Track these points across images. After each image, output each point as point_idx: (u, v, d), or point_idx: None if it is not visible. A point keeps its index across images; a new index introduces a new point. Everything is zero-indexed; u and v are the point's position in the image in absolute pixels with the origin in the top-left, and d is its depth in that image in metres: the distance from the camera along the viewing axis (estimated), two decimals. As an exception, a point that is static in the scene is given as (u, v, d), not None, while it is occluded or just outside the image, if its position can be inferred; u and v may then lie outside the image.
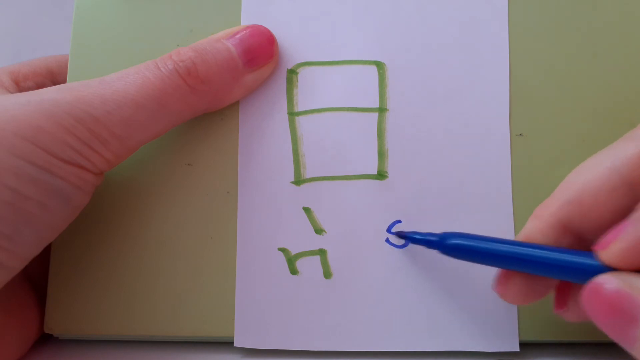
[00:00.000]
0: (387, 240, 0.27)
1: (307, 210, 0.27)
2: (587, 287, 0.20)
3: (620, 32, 0.28)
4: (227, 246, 0.27)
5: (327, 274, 0.27)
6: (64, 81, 0.30)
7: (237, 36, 0.27)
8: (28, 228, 0.23)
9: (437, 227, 0.27)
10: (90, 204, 0.26)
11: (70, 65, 0.29)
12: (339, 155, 0.28)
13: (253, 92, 0.28)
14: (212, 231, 0.28)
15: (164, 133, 0.26)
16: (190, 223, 0.28)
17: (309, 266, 0.27)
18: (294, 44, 0.28)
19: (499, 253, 0.23)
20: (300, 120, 0.28)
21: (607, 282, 0.20)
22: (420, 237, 0.25)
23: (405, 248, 0.27)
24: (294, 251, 0.27)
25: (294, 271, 0.27)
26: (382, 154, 0.27)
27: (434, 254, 0.27)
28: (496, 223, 0.27)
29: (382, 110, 0.28)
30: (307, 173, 0.28)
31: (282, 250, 0.27)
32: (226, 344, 0.27)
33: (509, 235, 0.27)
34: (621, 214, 0.21)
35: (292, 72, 0.28)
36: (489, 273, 0.25)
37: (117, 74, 0.25)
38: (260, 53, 0.27)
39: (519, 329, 0.26)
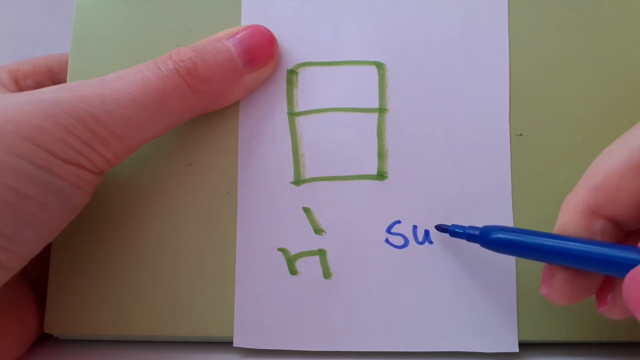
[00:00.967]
0: (387, 241, 0.27)
1: (306, 210, 0.27)
2: (628, 276, 0.20)
3: (620, 32, 0.28)
4: (227, 246, 0.28)
5: (327, 274, 0.27)
6: (64, 80, 0.30)
7: (237, 36, 0.27)
8: (28, 228, 0.23)
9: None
10: (90, 203, 0.26)
11: (70, 65, 0.29)
12: (338, 156, 0.28)
13: (253, 92, 0.28)
14: (212, 231, 0.28)
15: (164, 133, 0.26)
16: (190, 223, 0.28)
17: (309, 266, 0.27)
18: (294, 44, 0.28)
19: (540, 247, 0.22)
20: (300, 121, 0.28)
21: None
22: (462, 230, 0.25)
23: (405, 248, 0.27)
24: (293, 251, 0.27)
25: (293, 271, 0.27)
26: (382, 155, 0.27)
27: (434, 254, 0.27)
28: (496, 223, 0.27)
29: (382, 110, 0.28)
30: (307, 173, 0.28)
31: (282, 250, 0.27)
32: (226, 344, 0.27)
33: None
34: None
35: (292, 72, 0.28)
36: (489, 273, 0.25)
37: (117, 73, 0.25)
38: (261, 53, 0.27)
39: (518, 329, 0.26)
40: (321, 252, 0.27)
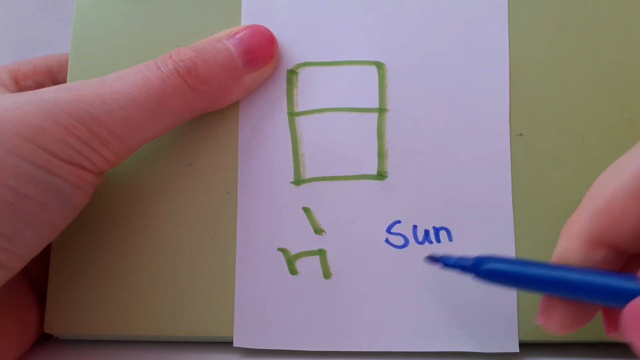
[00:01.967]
0: (387, 241, 0.27)
1: (306, 210, 0.27)
2: (627, 309, 0.19)
3: (620, 32, 0.28)
4: (227, 246, 0.28)
5: (327, 274, 0.27)
6: (64, 80, 0.30)
7: (237, 36, 0.27)
8: (28, 228, 0.23)
9: (437, 226, 0.27)
10: (90, 203, 0.26)
11: (70, 65, 0.29)
12: (338, 156, 0.28)
13: (253, 92, 0.28)
14: (212, 231, 0.28)
15: (164, 133, 0.26)
16: (190, 223, 0.28)
17: (309, 266, 0.27)
18: (294, 44, 0.28)
19: (537, 278, 0.22)
20: (300, 121, 0.28)
21: None
22: (454, 262, 0.24)
23: (405, 248, 0.27)
24: (293, 251, 0.27)
25: (293, 271, 0.27)
26: (381, 154, 0.27)
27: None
28: (496, 223, 0.27)
29: (382, 110, 0.28)
30: (307, 173, 0.28)
31: (282, 250, 0.27)
32: (225, 344, 0.27)
33: (508, 235, 0.27)
34: None
35: (292, 73, 0.28)
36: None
37: (117, 73, 0.25)
38: (261, 53, 0.27)
39: (518, 329, 0.26)
40: (321, 252, 0.27)
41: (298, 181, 0.28)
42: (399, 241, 0.27)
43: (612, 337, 0.22)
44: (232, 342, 0.27)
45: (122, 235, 0.28)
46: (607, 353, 0.27)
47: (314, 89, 0.28)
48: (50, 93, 0.24)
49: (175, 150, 0.28)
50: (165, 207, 0.28)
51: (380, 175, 0.27)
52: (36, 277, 0.29)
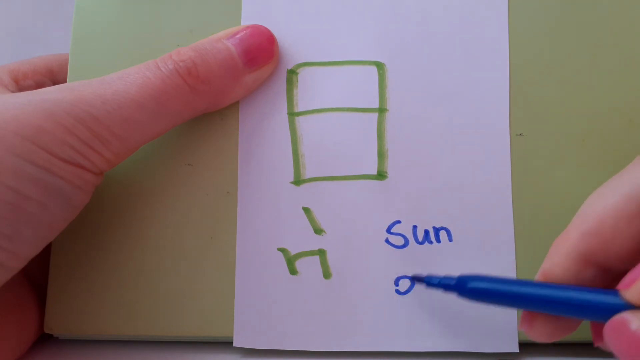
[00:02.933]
0: (387, 241, 0.27)
1: (306, 210, 0.27)
2: (609, 324, 0.20)
3: (620, 32, 0.28)
4: (227, 246, 0.28)
5: (327, 274, 0.27)
6: (64, 80, 0.30)
7: (238, 36, 0.27)
8: (28, 228, 0.23)
9: (436, 226, 0.27)
10: (90, 204, 0.26)
11: (70, 65, 0.29)
12: (338, 156, 0.28)
13: (253, 92, 0.28)
14: (212, 231, 0.28)
15: (164, 133, 0.26)
16: (190, 223, 0.28)
17: (309, 266, 0.27)
18: (294, 44, 0.28)
19: (520, 295, 0.22)
20: (300, 121, 0.28)
21: (630, 320, 0.19)
22: (438, 281, 0.24)
23: (405, 248, 0.27)
24: (293, 251, 0.27)
25: (293, 271, 0.27)
26: (381, 154, 0.27)
27: (434, 254, 0.27)
28: (495, 223, 0.27)
29: (382, 110, 0.28)
30: (307, 173, 0.28)
31: (282, 250, 0.27)
32: (225, 343, 0.27)
33: (508, 235, 0.27)
34: None
35: (292, 73, 0.28)
36: (488, 274, 0.25)
37: (117, 73, 0.25)
38: (261, 53, 0.27)
39: (518, 329, 0.26)
40: (321, 252, 0.27)
41: (298, 181, 0.28)
42: (399, 241, 0.27)
43: (599, 347, 0.23)
44: (232, 342, 0.27)
45: (122, 235, 0.28)
46: (606, 353, 0.27)
47: (314, 89, 0.28)
48: (50, 93, 0.24)
49: (175, 150, 0.28)
50: (165, 207, 0.28)
51: (380, 175, 0.27)
52: (36, 277, 0.29)
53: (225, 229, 0.28)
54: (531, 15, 0.28)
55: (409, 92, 0.28)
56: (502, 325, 0.26)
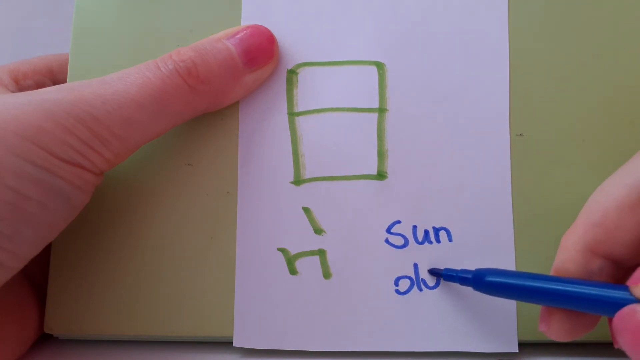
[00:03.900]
0: (387, 241, 0.27)
1: (306, 210, 0.27)
2: (617, 316, 0.20)
3: (620, 32, 0.28)
4: (227, 246, 0.28)
5: (327, 275, 0.27)
6: (64, 80, 0.30)
7: (238, 36, 0.27)
8: (28, 228, 0.23)
9: (436, 226, 0.27)
10: (90, 203, 0.26)
11: (70, 65, 0.29)
12: (338, 156, 0.28)
13: (253, 92, 0.28)
14: (212, 231, 0.28)
15: (164, 133, 0.26)
16: (190, 223, 0.28)
17: (309, 266, 0.27)
18: (294, 44, 0.28)
19: (533, 289, 0.22)
20: (300, 121, 0.28)
21: (637, 311, 0.20)
22: (454, 274, 0.25)
23: (405, 248, 0.27)
24: (293, 251, 0.27)
25: (293, 271, 0.27)
26: (381, 154, 0.27)
27: (433, 254, 0.27)
28: (495, 223, 0.27)
29: (382, 110, 0.28)
30: (307, 173, 0.28)
31: (282, 250, 0.27)
32: (225, 343, 0.27)
33: (508, 235, 0.27)
34: None
35: (292, 73, 0.28)
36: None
37: (117, 73, 0.25)
38: (261, 53, 0.27)
39: (517, 329, 0.26)
40: (321, 252, 0.27)
41: (298, 181, 0.28)
42: (399, 241, 0.27)
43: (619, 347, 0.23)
44: (231, 342, 0.27)
45: (122, 235, 0.28)
46: (605, 353, 0.27)
47: (314, 89, 0.28)
48: (50, 93, 0.24)
49: (175, 150, 0.28)
50: (165, 207, 0.28)
51: (380, 175, 0.27)
52: (36, 277, 0.29)
53: (225, 229, 0.28)
54: (531, 15, 0.28)
55: (409, 92, 0.28)
56: (502, 326, 0.26)
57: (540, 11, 0.28)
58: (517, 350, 0.26)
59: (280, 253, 0.27)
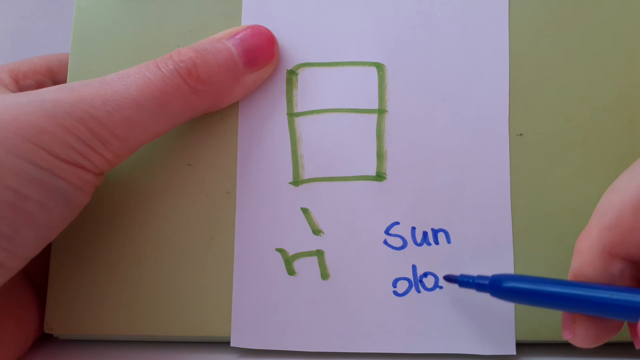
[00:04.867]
0: (385, 242, 0.27)
1: (305, 211, 0.27)
2: None
3: (620, 32, 0.27)
4: (226, 246, 0.28)
5: (325, 275, 0.27)
6: (64, 80, 0.30)
7: (238, 36, 0.27)
8: (28, 228, 0.23)
9: (435, 227, 0.27)
10: (90, 203, 0.26)
11: (70, 66, 0.29)
12: (337, 156, 0.28)
13: (253, 92, 0.28)
14: (212, 231, 0.28)
15: (164, 133, 0.26)
16: (190, 223, 0.28)
17: (307, 267, 0.27)
18: (294, 44, 0.28)
19: (556, 295, 0.22)
20: (299, 121, 0.28)
21: None
22: (470, 280, 0.25)
23: (403, 250, 0.27)
24: (291, 252, 0.27)
25: (291, 272, 0.27)
26: (381, 155, 0.27)
27: (432, 256, 0.27)
28: (494, 224, 0.27)
29: (381, 111, 0.28)
30: (306, 174, 0.28)
31: (280, 250, 0.27)
32: (223, 344, 0.27)
33: (507, 237, 0.27)
34: None
35: (292, 73, 0.28)
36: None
37: (117, 74, 0.25)
38: (261, 53, 0.27)
39: (515, 331, 0.26)
40: (319, 253, 0.27)
41: (297, 182, 0.28)
42: (397, 242, 0.27)
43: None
44: (229, 342, 0.27)
45: (121, 236, 0.28)
46: (605, 353, 0.27)
47: (313, 89, 0.28)
48: (50, 93, 0.24)
49: (175, 150, 0.28)
50: (165, 207, 0.28)
51: (379, 176, 0.27)
52: (36, 277, 0.29)
53: (225, 229, 0.28)
54: (531, 15, 0.28)
55: (409, 93, 0.28)
56: (499, 328, 0.26)
57: (540, 11, 0.28)
58: (515, 353, 0.26)
59: (278, 253, 0.27)
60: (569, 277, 0.23)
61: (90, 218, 0.28)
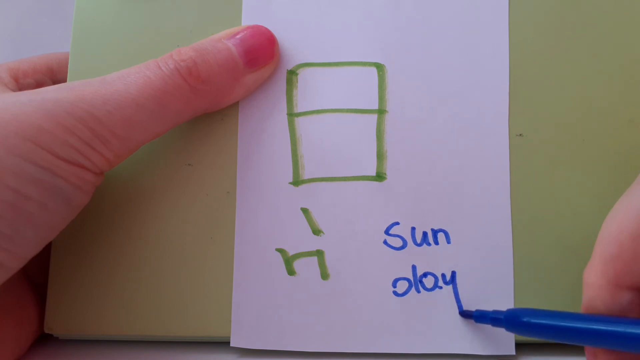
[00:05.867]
0: (385, 242, 0.27)
1: (305, 211, 0.28)
2: None
3: (620, 32, 0.27)
4: (226, 246, 0.28)
5: (325, 275, 0.27)
6: (64, 79, 0.30)
7: (238, 36, 0.27)
8: (28, 228, 0.23)
9: (435, 227, 0.27)
10: (90, 203, 0.26)
11: (70, 65, 0.29)
12: (337, 157, 0.28)
13: (253, 92, 0.28)
14: (212, 231, 0.28)
15: (164, 133, 0.26)
16: (190, 223, 0.28)
17: (307, 267, 0.27)
18: (294, 44, 0.28)
19: (568, 330, 0.22)
20: (299, 121, 0.28)
21: None
22: (486, 315, 0.25)
23: (403, 250, 0.27)
24: (291, 252, 0.27)
25: (291, 272, 0.27)
26: (380, 156, 0.27)
27: (432, 256, 0.27)
28: (494, 225, 0.27)
29: (381, 111, 0.28)
30: (306, 174, 0.28)
31: (280, 250, 0.27)
32: (223, 344, 0.27)
33: (507, 237, 0.27)
34: None
35: (292, 73, 0.28)
36: (486, 276, 0.25)
37: (118, 73, 0.25)
38: (261, 53, 0.27)
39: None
40: (319, 253, 0.27)
41: (297, 182, 0.28)
42: (397, 243, 0.27)
43: None
44: (229, 342, 0.27)
45: (121, 236, 0.28)
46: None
47: (313, 89, 0.28)
48: (51, 92, 0.24)
49: (175, 150, 0.28)
50: (165, 207, 0.28)
51: (379, 177, 0.27)
52: (36, 277, 0.29)
53: (225, 229, 0.28)
54: (531, 15, 0.28)
55: (409, 94, 0.28)
56: (499, 329, 0.26)
57: (541, 11, 0.28)
58: (514, 353, 0.26)
59: (278, 253, 0.27)
60: (581, 309, 0.23)
61: (90, 218, 0.28)
